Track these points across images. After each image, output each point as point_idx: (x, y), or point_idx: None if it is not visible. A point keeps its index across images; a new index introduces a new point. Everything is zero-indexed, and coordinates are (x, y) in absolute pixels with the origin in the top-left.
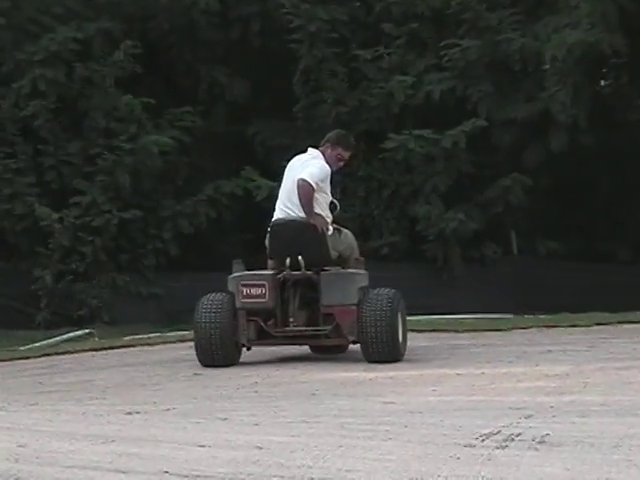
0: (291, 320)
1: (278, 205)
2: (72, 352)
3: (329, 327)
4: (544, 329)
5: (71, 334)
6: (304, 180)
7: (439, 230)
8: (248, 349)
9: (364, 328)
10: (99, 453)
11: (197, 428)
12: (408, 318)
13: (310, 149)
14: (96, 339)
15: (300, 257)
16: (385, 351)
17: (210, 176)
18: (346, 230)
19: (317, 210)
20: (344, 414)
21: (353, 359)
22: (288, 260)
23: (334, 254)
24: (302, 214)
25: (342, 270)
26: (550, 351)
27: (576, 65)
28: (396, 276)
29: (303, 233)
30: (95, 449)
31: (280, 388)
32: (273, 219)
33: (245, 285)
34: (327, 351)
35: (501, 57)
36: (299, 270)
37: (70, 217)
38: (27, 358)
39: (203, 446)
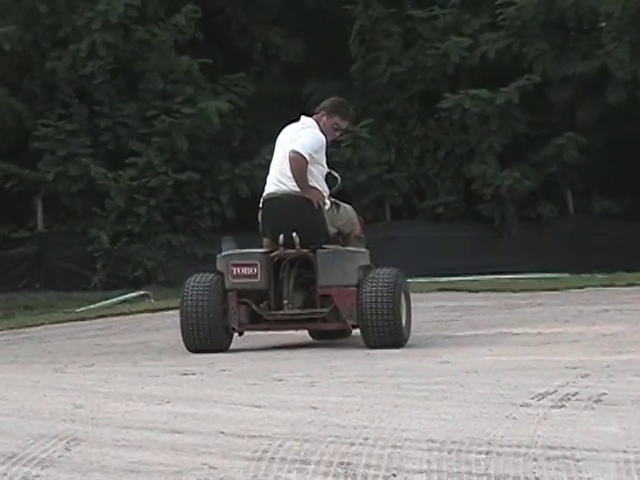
0: (285, 302)
1: (269, 179)
2: (128, 314)
3: (326, 310)
4: (600, 288)
5: (127, 296)
6: (295, 152)
7: (494, 189)
8: (240, 334)
9: (364, 311)
10: (155, 413)
11: (253, 389)
12: (464, 278)
13: (303, 117)
14: (152, 300)
15: (294, 234)
16: (387, 336)
17: (265, 138)
18: (346, 204)
19: (312, 183)
20: (399, 374)
21: None
22: (281, 237)
23: (332, 230)
24: (296, 188)
25: (340, 248)
26: (606, 310)
27: (632, 22)
28: (451, 236)
29: (297, 208)
30: (151, 410)
31: (336, 349)
32: (264, 193)
33: (235, 264)
34: (328, 336)
35: (556, 15)
36: (294, 248)
37: (125, 178)
38: (83, 320)
39: (259, 407)
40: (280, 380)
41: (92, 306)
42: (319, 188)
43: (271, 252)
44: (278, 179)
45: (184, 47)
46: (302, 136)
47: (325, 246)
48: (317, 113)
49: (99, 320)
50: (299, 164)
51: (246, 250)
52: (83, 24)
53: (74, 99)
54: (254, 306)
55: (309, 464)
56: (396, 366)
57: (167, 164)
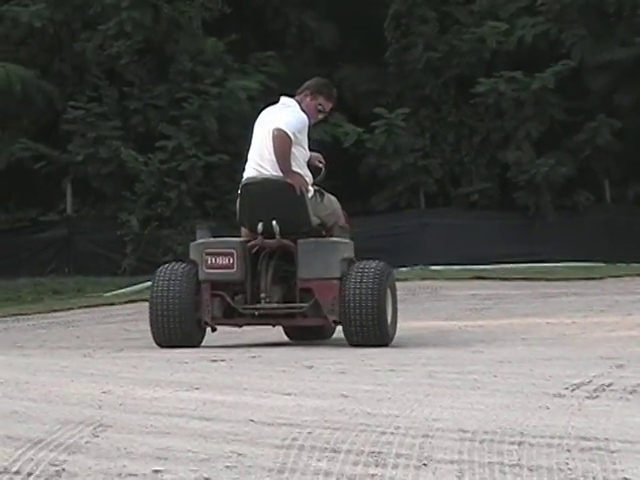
0: (263, 296)
1: (248, 164)
2: None
3: (307, 304)
4: (637, 278)
5: None
6: (279, 129)
7: (530, 176)
8: (213, 330)
9: (347, 306)
10: (183, 400)
11: (283, 376)
12: (498, 266)
13: (283, 98)
14: None
15: (274, 222)
16: (371, 334)
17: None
18: (329, 194)
19: (294, 167)
20: (432, 363)
21: (441, 308)
22: (260, 225)
23: (315, 221)
24: (277, 172)
25: (323, 239)
26: None
27: None
28: (485, 224)
29: (278, 194)
30: (179, 396)
31: None
32: (243, 179)
33: (210, 253)
34: (306, 335)
35: (595, 1)
36: (273, 238)
37: (156, 161)
38: (112, 305)
39: (289, 394)
40: (310, 367)
41: (121, 291)
42: (301, 173)
43: (249, 241)
44: (258, 163)
45: (213, 26)
46: (285, 115)
47: (307, 237)
48: (300, 93)
49: (128, 305)
50: (283, 143)
51: (222, 238)
52: (112, 3)
53: (104, 81)
54: (229, 299)
55: (339, 453)
56: (428, 355)
57: (197, 147)
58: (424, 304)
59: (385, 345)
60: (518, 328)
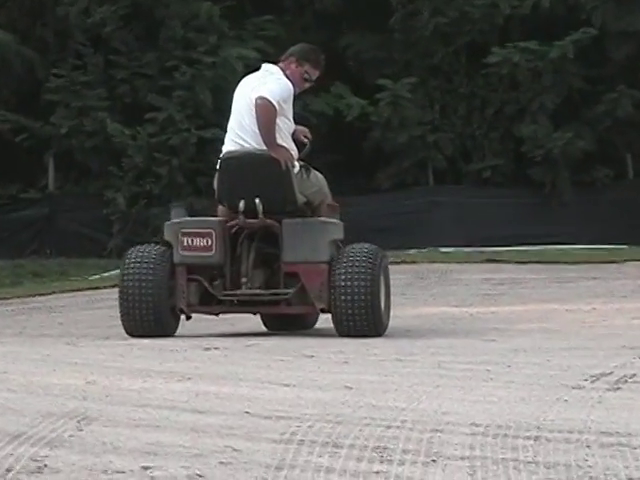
0: (244, 281)
1: (228, 136)
2: None
3: (292, 290)
4: None
5: None
6: (263, 98)
7: (546, 151)
8: (188, 318)
9: (336, 293)
10: (174, 392)
11: (281, 366)
12: (513, 248)
13: (266, 65)
14: None
15: (257, 200)
16: (363, 323)
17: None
18: (316, 171)
19: (279, 140)
20: (441, 352)
21: (451, 293)
22: (242, 204)
23: (301, 199)
24: (259, 145)
25: (310, 219)
26: None
27: None
28: (499, 202)
29: (261, 169)
30: (170, 387)
31: None
32: (222, 153)
33: (186, 234)
34: (286, 325)
35: None
36: (256, 217)
37: (144, 135)
38: (97, 289)
39: (287, 385)
40: (311, 357)
41: (107, 274)
42: (287, 146)
43: (229, 221)
44: (238, 135)
45: None
46: (268, 82)
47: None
48: (284, 60)
49: (114, 289)
50: (267, 113)
51: (200, 218)
52: None
53: (89, 48)
54: (206, 284)
55: (341, 448)
56: (437, 343)
57: (190, 120)
58: (433, 289)
59: (378, 336)
60: (534, 315)
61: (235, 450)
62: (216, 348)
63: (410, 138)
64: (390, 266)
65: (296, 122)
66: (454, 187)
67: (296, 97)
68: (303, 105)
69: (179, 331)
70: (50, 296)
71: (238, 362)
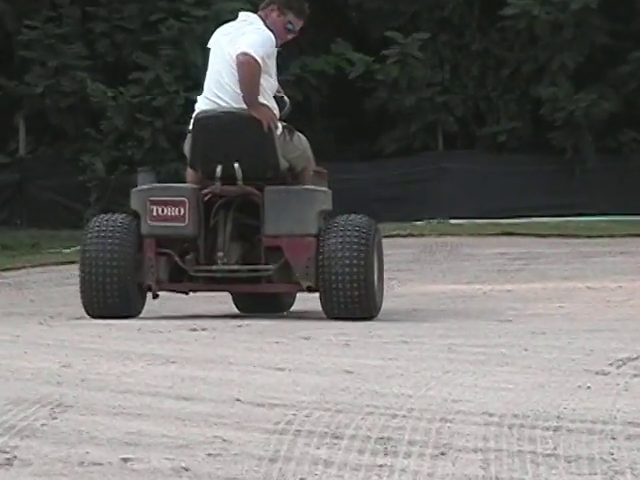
0: (219, 255)
1: (203, 94)
2: None
3: (274, 266)
4: None
5: None
6: (246, 54)
7: (567, 114)
8: (154, 296)
9: (325, 270)
10: (157, 376)
11: (275, 348)
12: (531, 220)
13: (243, 13)
14: None
15: (237, 165)
16: (354, 304)
17: (295, 51)
18: (299, 133)
19: (261, 99)
20: (451, 334)
21: (463, 269)
22: (219, 169)
23: (283, 164)
24: (238, 103)
25: (296, 186)
26: None
27: None
28: (515, 170)
29: (241, 130)
30: (153, 371)
31: None
32: (195, 112)
33: (155, 202)
34: (261, 307)
35: None
36: (233, 184)
37: (127, 95)
38: (73, 263)
39: (282, 370)
40: (308, 339)
41: None
42: (269, 105)
43: (204, 188)
44: (214, 94)
45: None
46: (247, 33)
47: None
48: (263, 8)
49: None
50: (251, 70)
51: (170, 184)
52: None
53: None
54: (177, 258)
55: (342, 439)
56: (447, 325)
57: (178, 81)
58: (442, 264)
59: (371, 318)
60: (554, 293)
61: (224, 440)
62: (203, 329)
63: (418, 99)
64: (396, 239)
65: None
66: (466, 152)
67: (284, 53)
68: (302, 66)
69: (163, 310)
70: (21, 271)
71: (228, 344)
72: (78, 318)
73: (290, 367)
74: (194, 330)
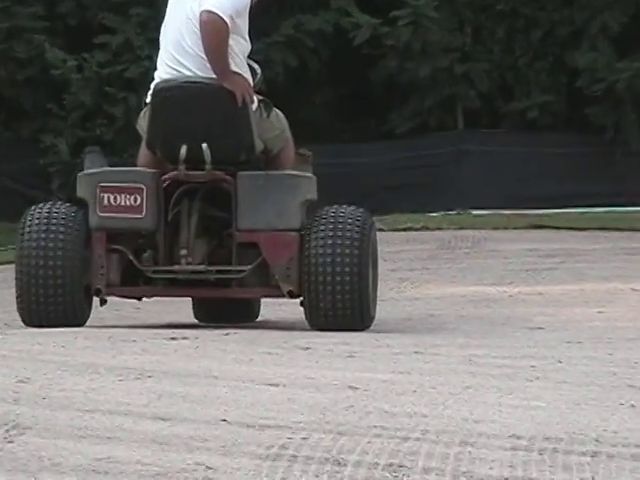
0: (183, 254)
1: (161, 61)
2: None
3: (248, 267)
4: None
5: None
6: (210, 12)
7: (608, 86)
8: (102, 302)
9: (310, 272)
10: (131, 392)
11: (268, 360)
12: (566, 210)
13: None
14: None
15: (204, 145)
16: (345, 312)
17: (288, 8)
18: (276, 109)
19: (232, 67)
20: (473, 343)
21: (486, 267)
22: (183, 150)
23: (259, 145)
24: (206, 72)
25: (275, 172)
26: None
27: None
28: (548, 152)
29: (210, 104)
30: (125, 387)
31: (384, 307)
32: (154, 82)
33: (106, 189)
34: (222, 316)
35: None
36: (201, 168)
37: (93, 65)
38: None
39: (276, 385)
40: (306, 349)
41: None
42: (243, 74)
43: (165, 173)
44: (176, 60)
45: None
46: None
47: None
48: None
49: None
50: (217, 32)
51: (125, 167)
52: None
53: None
54: (132, 257)
55: (344, 466)
56: (468, 332)
57: (152, 45)
58: (462, 262)
59: (364, 329)
60: (592, 296)
61: (208, 468)
62: (184, 338)
63: (434, 69)
64: (409, 234)
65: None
66: (490, 132)
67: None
68: (296, 25)
69: (137, 315)
70: None
71: (213, 355)
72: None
73: (285, 382)
74: (173, 339)
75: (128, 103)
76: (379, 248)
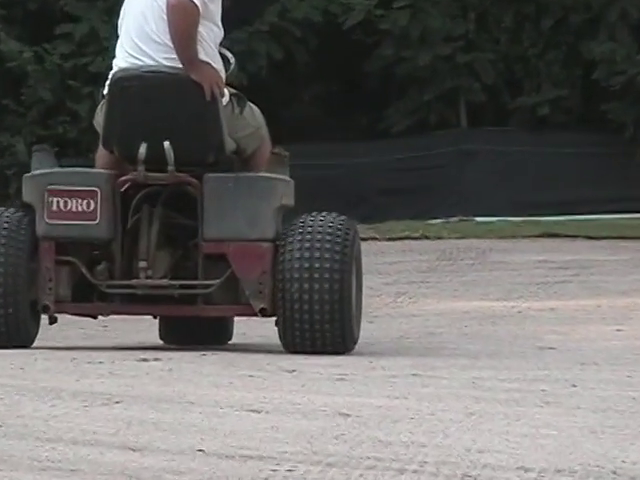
0: (142, 266)
1: (121, 46)
2: None
3: (216, 282)
4: None
5: None
6: None
7: (628, 79)
8: (52, 320)
9: (285, 287)
10: (97, 420)
11: (249, 384)
12: (580, 217)
13: None
14: None
15: (167, 144)
16: (325, 333)
17: None
18: (251, 104)
19: (201, 55)
20: (477, 365)
21: (492, 281)
22: (143, 148)
23: (230, 144)
24: (171, 61)
25: (246, 174)
26: None
27: None
28: (560, 152)
29: (174, 97)
30: (91, 414)
31: (378, 324)
32: (112, 71)
33: (56, 193)
34: (191, 337)
35: None
36: (163, 170)
37: (55, 56)
38: None
39: (258, 412)
40: (292, 371)
41: None
42: (213, 65)
43: (122, 175)
44: (138, 47)
45: None
46: None
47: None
48: None
49: None
50: (187, 15)
51: (77, 168)
52: None
53: None
54: (85, 270)
55: None
56: (471, 352)
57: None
58: (466, 275)
59: (346, 352)
60: (609, 312)
61: None
62: (156, 359)
63: (434, 59)
64: (406, 243)
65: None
66: (496, 130)
67: None
68: (281, 12)
69: (104, 334)
70: None
71: (188, 378)
72: None
73: (268, 408)
74: (144, 360)
75: (94, 99)
76: (373, 259)
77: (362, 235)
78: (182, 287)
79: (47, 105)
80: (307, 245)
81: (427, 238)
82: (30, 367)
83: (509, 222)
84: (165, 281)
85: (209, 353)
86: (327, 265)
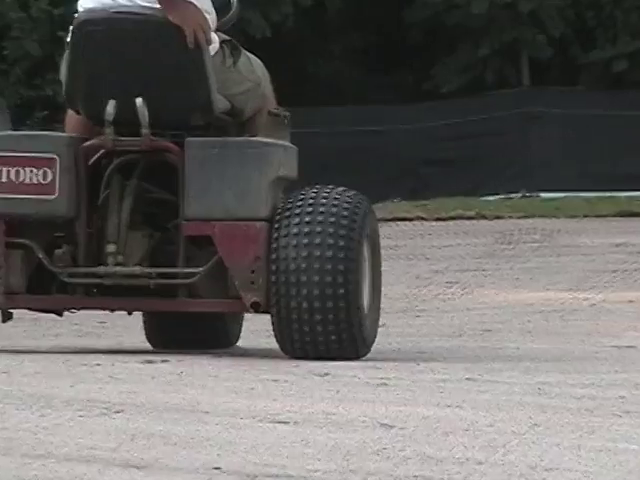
0: (111, 250)
1: None
2: None
3: (199, 270)
4: None
5: None
6: None
7: None
8: (5, 316)
9: (282, 277)
10: (95, 432)
11: (273, 390)
12: None
13: None
14: None
15: (140, 100)
16: (330, 335)
17: None
18: (249, 53)
19: None
20: (543, 368)
21: (560, 268)
22: (111, 106)
23: (221, 102)
24: (145, 1)
25: (236, 139)
26: None
27: None
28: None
29: (149, 44)
30: (88, 425)
31: (425, 319)
32: (78, 12)
33: (6, 161)
34: (187, 339)
35: None
36: (136, 134)
37: (43, 4)
38: None
39: (285, 422)
40: (324, 375)
41: None
42: (198, 6)
43: (87, 139)
44: None
45: None
46: None
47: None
48: None
49: None
50: None
51: (33, 132)
52: None
53: None
54: (42, 254)
55: None
56: (536, 353)
57: None
58: (529, 261)
59: (357, 357)
60: None
61: None
62: (164, 361)
63: (492, 6)
64: (458, 224)
65: None
66: (565, 90)
67: None
68: None
69: (103, 331)
70: None
71: (201, 384)
72: None
73: (297, 419)
74: (150, 363)
75: None
76: (419, 242)
77: (406, 214)
78: (159, 276)
79: (34, 61)
80: (306, 228)
81: (483, 218)
82: (16, 371)
83: (580, 198)
84: (138, 269)
85: (225, 353)
86: (331, 253)
